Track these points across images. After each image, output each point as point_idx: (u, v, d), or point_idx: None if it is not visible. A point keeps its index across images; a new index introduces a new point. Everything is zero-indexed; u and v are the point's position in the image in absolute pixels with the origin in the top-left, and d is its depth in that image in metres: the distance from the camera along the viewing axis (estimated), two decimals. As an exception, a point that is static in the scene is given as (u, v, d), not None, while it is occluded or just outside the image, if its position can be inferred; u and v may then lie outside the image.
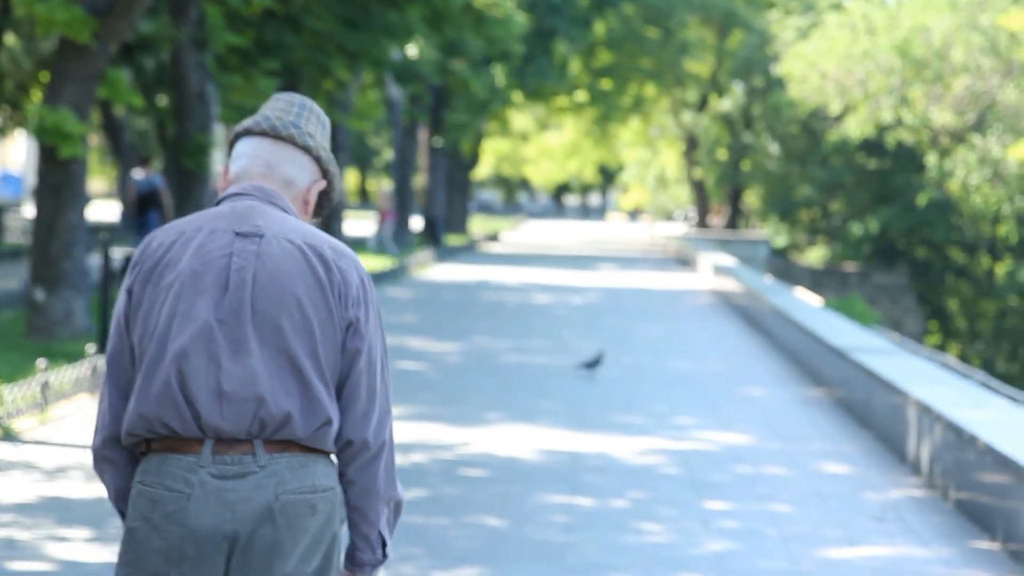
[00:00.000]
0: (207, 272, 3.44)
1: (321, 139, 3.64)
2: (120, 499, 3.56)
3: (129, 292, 3.51)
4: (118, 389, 3.51)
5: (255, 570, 3.39)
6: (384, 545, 3.57)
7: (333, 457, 3.53)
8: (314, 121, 3.64)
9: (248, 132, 3.62)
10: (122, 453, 3.53)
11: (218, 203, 3.59)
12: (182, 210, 21.58)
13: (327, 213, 3.77)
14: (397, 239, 42.61)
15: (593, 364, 15.73)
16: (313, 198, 3.65)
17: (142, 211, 24.63)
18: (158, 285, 3.47)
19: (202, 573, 3.38)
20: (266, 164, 3.59)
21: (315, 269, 3.47)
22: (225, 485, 3.38)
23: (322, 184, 3.65)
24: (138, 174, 24.86)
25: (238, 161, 3.62)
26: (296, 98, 3.66)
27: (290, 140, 3.59)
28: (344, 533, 3.58)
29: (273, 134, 3.60)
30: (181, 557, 3.37)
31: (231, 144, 3.67)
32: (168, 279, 3.46)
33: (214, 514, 3.37)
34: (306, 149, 3.61)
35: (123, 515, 3.55)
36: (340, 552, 3.55)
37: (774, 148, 59.79)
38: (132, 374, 3.49)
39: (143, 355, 3.45)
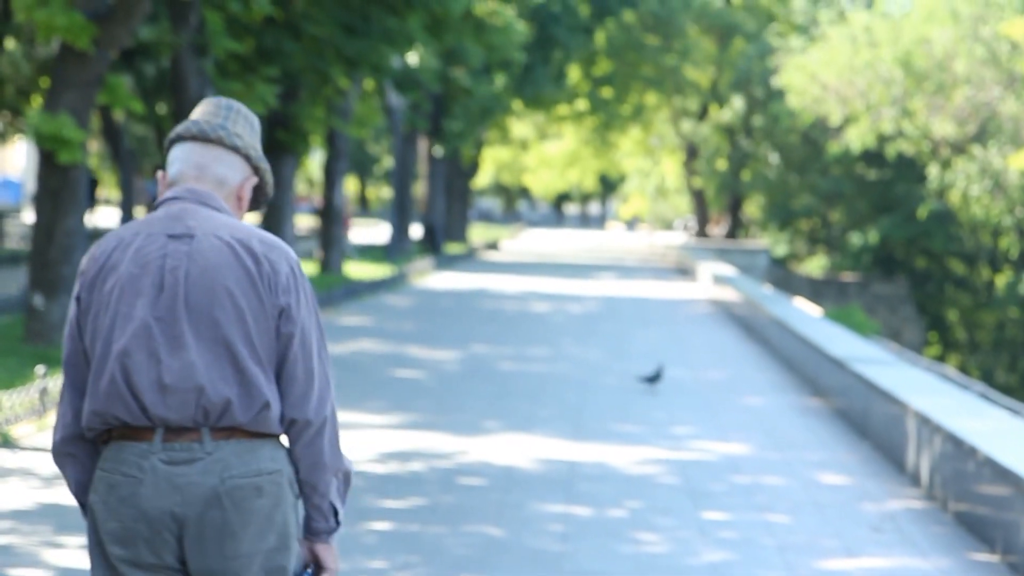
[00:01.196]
0: (144, 274, 3.70)
1: (250, 138, 3.88)
2: (80, 491, 3.81)
3: (78, 299, 3.77)
4: (75, 389, 3.78)
5: (209, 551, 3.63)
6: (336, 513, 3.81)
7: (284, 439, 3.74)
8: (242, 122, 3.87)
9: (180, 137, 3.86)
10: (82, 448, 3.79)
11: (155, 208, 3.82)
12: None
13: (264, 205, 3.98)
14: (397, 247, 42.58)
15: (654, 379, 15.41)
16: (247, 194, 3.88)
17: None
18: (101, 290, 3.73)
19: (154, 551, 3.64)
20: (197, 166, 3.83)
21: (244, 262, 3.70)
22: (174, 470, 3.63)
23: (254, 180, 3.89)
24: (153, 182, 25.24)
25: (173, 166, 3.86)
26: (223, 101, 3.90)
27: (219, 142, 3.84)
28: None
29: (203, 137, 3.84)
30: (135, 536, 3.63)
31: (167, 150, 3.89)
32: (110, 284, 3.72)
33: (164, 497, 3.62)
34: (235, 149, 3.85)
35: (83, 505, 3.81)
36: (297, 526, 3.76)
37: (774, 157, 59.81)
38: (87, 374, 3.75)
39: (92, 356, 3.72)
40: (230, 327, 3.67)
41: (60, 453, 3.81)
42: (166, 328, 3.67)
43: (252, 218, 35.64)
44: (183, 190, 3.81)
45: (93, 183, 47.36)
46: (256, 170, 3.90)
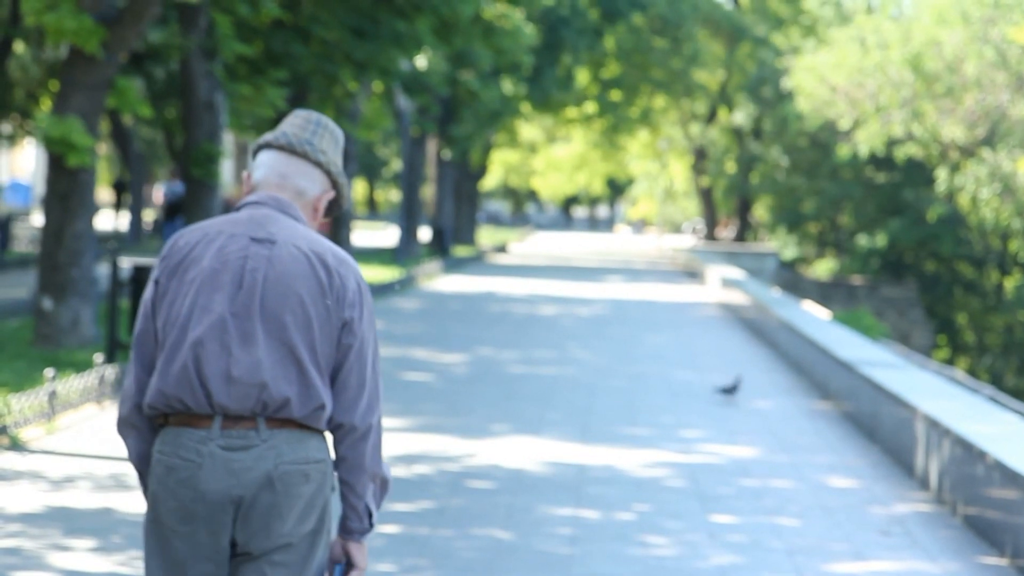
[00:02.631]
0: (225, 271, 3.94)
1: (333, 154, 4.13)
2: (140, 460, 4.07)
3: (156, 282, 4.00)
4: (143, 365, 4.01)
5: (256, 529, 3.90)
6: (371, 515, 4.05)
7: (327, 433, 4.03)
8: (328, 138, 4.12)
9: (268, 145, 4.11)
10: (144, 420, 4.03)
11: (238, 209, 4.07)
12: (192, 218, 21.59)
13: (336, 216, 4.08)
14: (405, 250, 42.59)
15: (731, 389, 15.25)
16: (322, 206, 4.13)
17: (170, 217, 26.27)
18: (183, 279, 3.96)
19: (211, 530, 3.90)
20: (281, 176, 4.09)
21: (318, 273, 3.96)
22: (231, 456, 3.89)
23: (331, 194, 4.15)
24: (168, 184, 25.62)
25: (258, 170, 4.12)
26: (313, 116, 4.13)
27: (304, 155, 4.08)
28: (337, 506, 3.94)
29: (289, 149, 4.09)
30: (193, 516, 3.89)
31: (254, 154, 4.16)
32: (191, 274, 3.95)
33: (222, 480, 3.88)
34: (318, 164, 4.10)
35: (141, 475, 4.07)
36: (332, 518, 4.02)
37: (783, 160, 59.77)
38: (155, 352, 3.99)
39: (165, 339, 3.95)
40: (297, 332, 3.93)
41: (125, 424, 4.05)
42: (240, 324, 3.91)
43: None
44: (266, 196, 4.06)
45: (121, 185, 47.43)
46: (334, 184, 4.15)
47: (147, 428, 4.04)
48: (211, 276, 3.94)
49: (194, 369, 3.90)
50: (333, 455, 4.04)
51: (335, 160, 4.13)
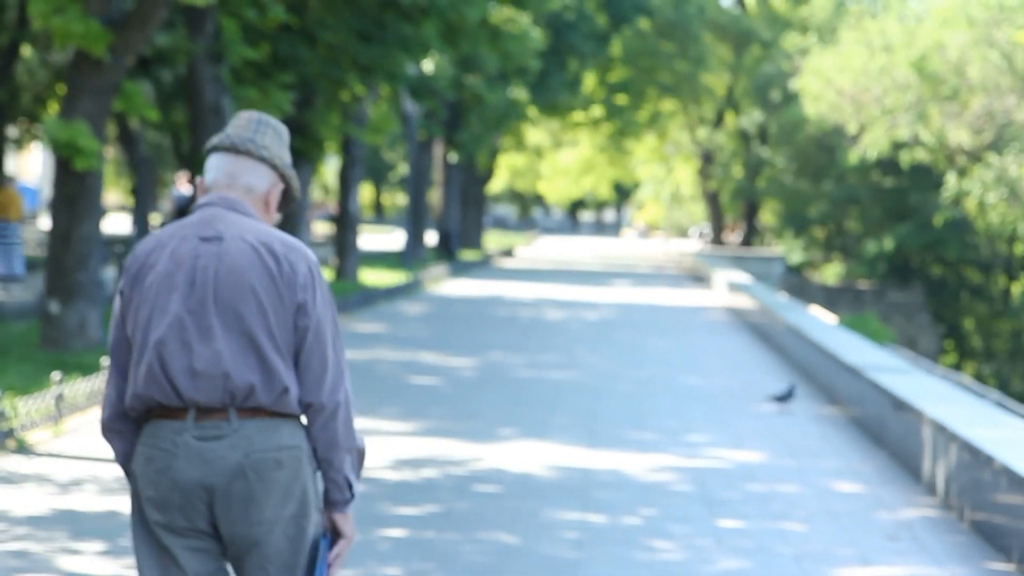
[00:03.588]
0: (178, 272, 4.15)
1: (277, 149, 4.33)
2: (126, 460, 4.29)
3: (121, 293, 4.24)
4: (120, 372, 4.24)
5: (235, 517, 4.10)
6: (351, 486, 4.25)
7: (303, 419, 4.20)
8: (271, 134, 4.33)
9: (215, 148, 4.34)
10: (127, 424, 4.25)
11: (192, 212, 4.30)
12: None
13: (293, 209, 4.49)
14: (411, 254, 42.60)
15: (785, 397, 15.09)
16: (274, 200, 4.34)
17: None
18: (142, 285, 4.19)
19: (187, 516, 4.11)
20: (229, 175, 4.30)
21: (266, 262, 4.15)
22: (205, 446, 4.09)
23: (281, 187, 4.36)
24: (178, 188, 25.60)
25: (209, 174, 4.34)
26: (255, 115, 4.36)
27: (247, 153, 4.30)
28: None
29: (233, 149, 4.30)
30: (169, 504, 4.11)
31: (204, 159, 4.39)
32: (149, 280, 4.18)
33: (195, 469, 4.09)
34: (262, 160, 4.31)
35: (128, 474, 4.27)
36: (316, 497, 4.22)
37: (790, 164, 59.73)
38: (130, 359, 4.22)
39: (134, 344, 4.18)
40: (253, 320, 4.11)
41: (108, 429, 4.28)
42: (197, 320, 4.11)
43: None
44: (215, 197, 4.28)
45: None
46: (283, 177, 4.35)
47: (130, 431, 4.25)
48: (166, 278, 4.15)
49: (159, 368, 4.10)
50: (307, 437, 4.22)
51: (280, 154, 4.32)
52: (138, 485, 4.18)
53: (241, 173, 4.30)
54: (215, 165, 4.32)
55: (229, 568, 4.25)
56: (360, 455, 4.27)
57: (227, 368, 4.08)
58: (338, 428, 4.18)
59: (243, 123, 4.34)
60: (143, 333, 4.14)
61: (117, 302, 4.25)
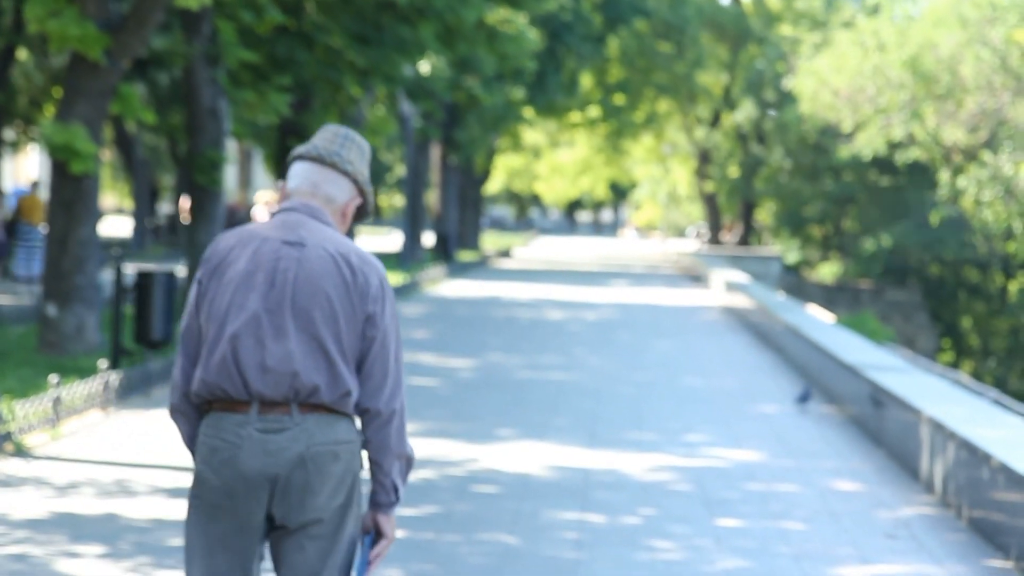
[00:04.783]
0: (259, 271, 4.36)
1: (359, 164, 4.55)
2: (191, 442, 4.49)
3: (199, 282, 4.44)
4: (188, 357, 4.44)
5: (292, 505, 4.31)
6: (397, 490, 4.46)
7: (356, 417, 4.43)
8: (355, 150, 4.55)
9: (301, 157, 4.54)
10: (191, 407, 4.46)
11: (274, 215, 4.50)
12: (195, 224, 21.59)
13: (365, 220, 4.67)
14: (409, 255, 42.60)
15: (805, 398, 15.22)
16: (350, 212, 4.56)
17: None
18: (221, 279, 4.39)
19: (248, 506, 4.31)
20: (312, 184, 4.51)
21: (343, 272, 4.38)
22: (267, 438, 4.31)
23: (358, 200, 4.57)
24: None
25: (292, 180, 4.54)
26: (341, 130, 4.57)
27: (332, 166, 4.51)
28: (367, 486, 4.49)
29: (319, 160, 4.51)
30: (233, 493, 4.31)
31: (289, 165, 4.58)
32: (229, 275, 4.38)
33: (259, 460, 4.30)
34: (345, 173, 4.52)
35: (193, 453, 4.45)
36: (361, 493, 4.44)
37: (786, 162, 59.74)
38: (199, 345, 4.42)
39: (207, 334, 4.37)
40: (324, 325, 4.34)
41: (176, 411, 4.48)
42: (272, 319, 4.33)
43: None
44: (298, 203, 4.49)
45: (154, 194, 47.58)
46: (361, 192, 4.57)
47: (194, 414, 4.46)
48: (246, 277, 4.36)
49: (232, 360, 4.31)
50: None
51: (361, 170, 4.54)
52: (203, 474, 4.36)
53: (324, 183, 4.51)
54: (300, 173, 4.52)
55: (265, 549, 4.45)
56: (408, 462, 4.48)
57: (296, 367, 4.30)
58: (391, 434, 4.41)
59: (330, 136, 4.55)
60: (218, 325, 4.35)
61: (194, 291, 4.44)
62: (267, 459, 4.30)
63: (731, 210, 69.56)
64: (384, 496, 4.47)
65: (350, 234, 34.13)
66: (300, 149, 4.56)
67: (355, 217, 4.62)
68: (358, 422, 4.46)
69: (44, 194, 25.27)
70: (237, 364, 4.32)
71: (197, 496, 4.41)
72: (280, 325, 4.33)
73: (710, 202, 68.62)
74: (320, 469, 4.32)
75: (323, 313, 4.34)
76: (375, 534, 4.48)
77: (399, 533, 8.69)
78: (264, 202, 31.99)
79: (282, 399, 4.32)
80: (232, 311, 4.35)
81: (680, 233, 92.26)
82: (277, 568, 4.42)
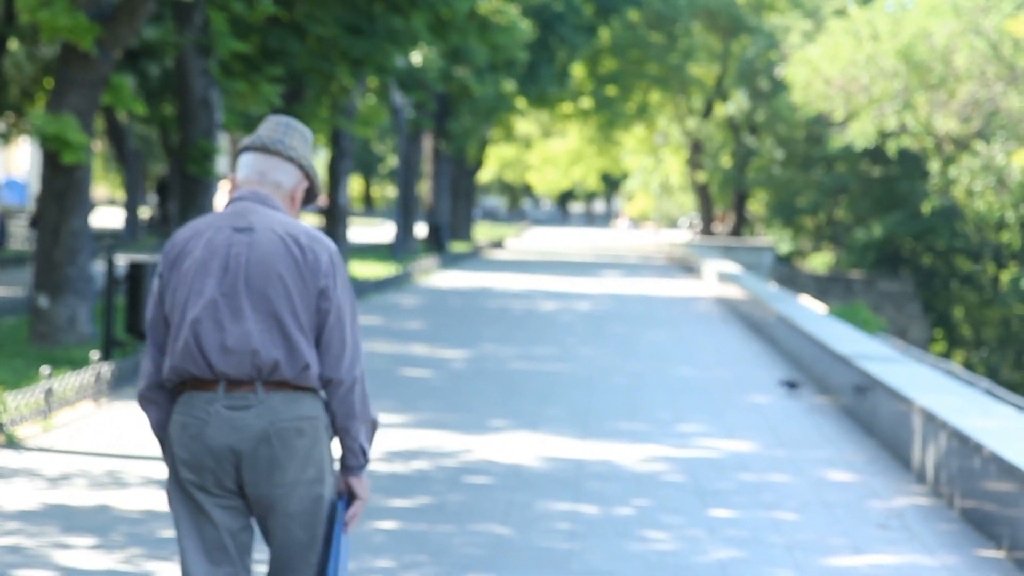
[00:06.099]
0: (213, 259, 4.62)
1: (303, 150, 4.82)
2: (160, 428, 4.76)
3: (160, 275, 4.71)
4: (156, 346, 4.71)
5: (260, 478, 4.58)
6: (364, 453, 4.73)
7: (322, 393, 4.67)
8: (297, 137, 4.82)
9: (246, 148, 4.82)
10: (161, 394, 4.72)
11: (226, 205, 4.75)
12: (187, 214, 21.58)
13: (314, 202, 4.93)
14: (401, 246, 42.59)
15: (794, 385, 15.40)
16: (299, 196, 4.84)
17: None
18: (180, 270, 4.66)
19: (217, 477, 4.58)
20: (259, 172, 4.79)
21: (292, 252, 4.62)
22: (234, 415, 4.57)
23: (305, 184, 4.84)
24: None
25: (240, 171, 4.82)
26: (283, 119, 4.85)
27: (277, 153, 4.78)
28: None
29: (264, 149, 4.79)
30: (202, 466, 4.58)
31: (236, 157, 4.86)
32: (186, 265, 4.64)
33: (225, 435, 4.56)
34: (290, 159, 4.79)
35: (161, 441, 4.75)
36: (331, 462, 4.69)
37: (778, 153, 59.73)
38: (166, 335, 4.68)
39: (171, 322, 4.65)
40: (279, 303, 4.59)
41: (144, 399, 4.74)
42: (229, 302, 4.59)
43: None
44: (247, 191, 4.75)
45: (164, 185, 47.38)
46: (307, 176, 4.83)
47: (164, 400, 4.72)
48: (202, 264, 4.62)
49: (195, 344, 4.57)
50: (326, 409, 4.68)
51: (305, 155, 4.80)
52: (174, 449, 4.63)
53: (270, 171, 4.78)
54: (247, 163, 4.80)
55: (254, 524, 4.69)
56: (373, 426, 4.73)
57: (255, 345, 4.55)
58: (355, 401, 4.66)
59: (272, 125, 4.81)
60: (180, 312, 4.61)
61: (156, 284, 4.71)
62: (233, 434, 4.55)
63: (723, 201, 69.56)
64: (353, 460, 4.71)
65: (336, 218, 34.27)
66: (246, 140, 4.82)
67: (304, 200, 4.87)
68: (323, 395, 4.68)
69: (37, 187, 25.21)
70: (200, 347, 4.57)
71: (173, 473, 4.67)
72: (237, 307, 4.58)
73: (702, 193, 68.60)
74: (285, 444, 4.56)
75: (277, 292, 4.58)
76: (348, 497, 4.72)
77: (391, 524, 8.69)
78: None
79: (247, 378, 4.57)
80: (192, 298, 4.60)
81: (672, 224, 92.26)
82: (268, 543, 4.67)
